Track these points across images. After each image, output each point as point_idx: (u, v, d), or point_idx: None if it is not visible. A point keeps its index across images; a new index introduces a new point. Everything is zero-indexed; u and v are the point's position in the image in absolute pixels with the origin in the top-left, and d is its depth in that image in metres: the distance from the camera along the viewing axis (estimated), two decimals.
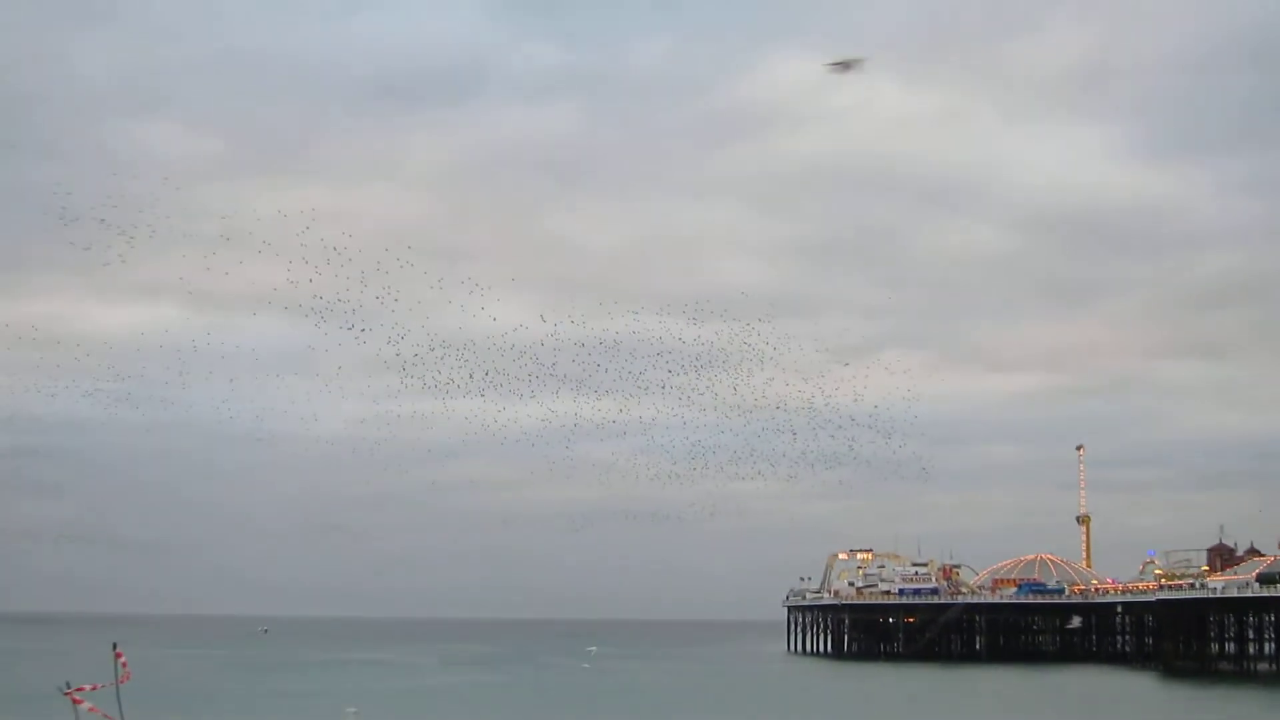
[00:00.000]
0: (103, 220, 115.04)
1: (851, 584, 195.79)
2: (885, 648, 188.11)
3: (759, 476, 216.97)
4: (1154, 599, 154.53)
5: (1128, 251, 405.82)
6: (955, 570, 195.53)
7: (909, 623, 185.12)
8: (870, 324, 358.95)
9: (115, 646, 39.23)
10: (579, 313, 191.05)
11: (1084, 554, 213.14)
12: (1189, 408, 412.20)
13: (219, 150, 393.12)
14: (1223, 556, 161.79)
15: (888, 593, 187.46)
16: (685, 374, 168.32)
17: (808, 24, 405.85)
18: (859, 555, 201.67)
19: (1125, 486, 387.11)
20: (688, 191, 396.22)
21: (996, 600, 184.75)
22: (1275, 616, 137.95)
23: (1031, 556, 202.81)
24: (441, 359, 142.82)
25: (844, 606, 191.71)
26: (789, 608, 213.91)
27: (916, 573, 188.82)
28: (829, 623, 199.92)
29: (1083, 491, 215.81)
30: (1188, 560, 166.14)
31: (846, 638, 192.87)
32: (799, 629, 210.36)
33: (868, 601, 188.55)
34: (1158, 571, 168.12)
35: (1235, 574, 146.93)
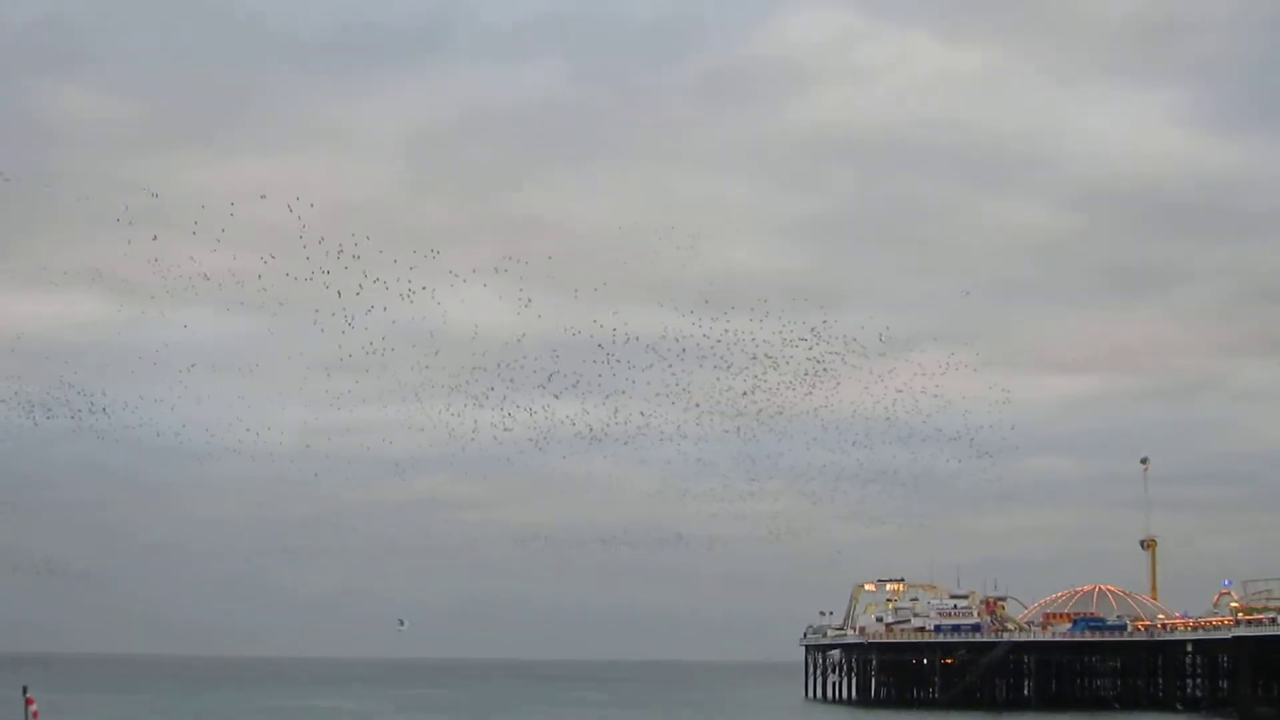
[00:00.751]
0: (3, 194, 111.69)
1: (879, 619, 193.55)
2: (918, 693, 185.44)
3: (770, 494, 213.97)
4: (1230, 636, 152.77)
5: (1203, 234, 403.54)
6: (1000, 603, 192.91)
7: (946, 664, 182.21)
8: (901, 318, 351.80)
9: (26, 691, 41.31)
10: (560, 304, 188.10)
11: (1149, 584, 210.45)
12: (1271, 415, 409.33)
13: (144, 115, 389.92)
14: None
15: (922, 629, 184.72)
16: (685, 375, 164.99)
17: None
18: (888, 586, 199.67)
19: (1197, 506, 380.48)
20: (689, 162, 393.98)
21: (1048, 638, 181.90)
22: None
23: (1088, 587, 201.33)
24: (402, 358, 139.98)
25: (871, 646, 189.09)
26: (806, 647, 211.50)
27: (955, 606, 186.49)
28: (853, 664, 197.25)
29: (1148, 511, 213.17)
30: (1269, 591, 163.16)
31: (874, 682, 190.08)
32: (818, 671, 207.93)
33: (898, 640, 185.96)
34: (1234, 604, 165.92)
35: None
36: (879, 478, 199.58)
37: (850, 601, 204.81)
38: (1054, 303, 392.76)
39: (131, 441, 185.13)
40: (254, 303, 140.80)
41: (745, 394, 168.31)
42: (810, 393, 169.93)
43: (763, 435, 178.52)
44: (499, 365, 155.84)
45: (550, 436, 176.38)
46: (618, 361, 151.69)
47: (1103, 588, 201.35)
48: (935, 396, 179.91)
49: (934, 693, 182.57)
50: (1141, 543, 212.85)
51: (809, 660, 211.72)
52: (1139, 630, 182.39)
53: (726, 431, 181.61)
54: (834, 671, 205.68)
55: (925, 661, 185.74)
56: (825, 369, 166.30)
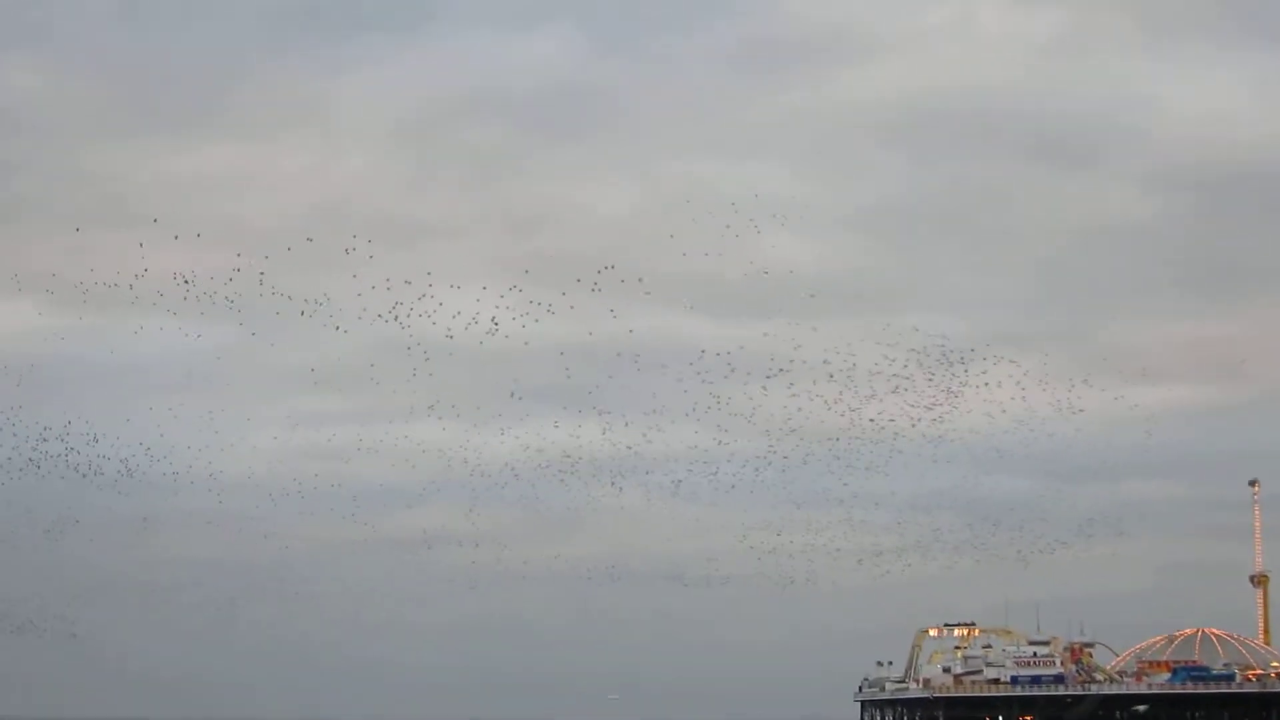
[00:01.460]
0: None
1: (947, 670, 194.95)
2: None
3: (817, 525, 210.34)
4: None
5: None
6: (1087, 650, 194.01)
7: None
8: (965, 319, 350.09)
9: None
10: (573, 307, 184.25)
11: (1260, 626, 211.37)
12: None
13: (99, 99, 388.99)
14: None
15: (996, 681, 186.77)
16: (717, 387, 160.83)
17: None
18: (957, 631, 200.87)
19: None
20: (721, 144, 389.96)
21: (1143, 690, 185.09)
22: None
23: (1190, 631, 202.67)
24: (391, 371, 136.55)
25: (937, 700, 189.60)
26: (862, 703, 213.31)
27: (1035, 654, 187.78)
28: None
29: (1258, 542, 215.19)
30: None
31: None
32: None
33: (969, 694, 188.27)
34: None
35: None
36: (944, 504, 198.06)
37: (912, 650, 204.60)
38: (1139, 301, 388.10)
39: (72, 469, 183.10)
40: (216, 309, 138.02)
41: (786, 408, 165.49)
42: (863, 406, 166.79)
43: (807, 456, 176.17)
44: (503, 380, 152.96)
45: (566, 462, 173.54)
46: (642, 371, 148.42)
47: (1206, 631, 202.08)
48: (1004, 411, 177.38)
49: None
50: (1251, 578, 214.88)
51: (865, 717, 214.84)
52: (1249, 681, 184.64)
53: (767, 452, 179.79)
54: None
55: (1001, 718, 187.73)
56: (878, 379, 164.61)
